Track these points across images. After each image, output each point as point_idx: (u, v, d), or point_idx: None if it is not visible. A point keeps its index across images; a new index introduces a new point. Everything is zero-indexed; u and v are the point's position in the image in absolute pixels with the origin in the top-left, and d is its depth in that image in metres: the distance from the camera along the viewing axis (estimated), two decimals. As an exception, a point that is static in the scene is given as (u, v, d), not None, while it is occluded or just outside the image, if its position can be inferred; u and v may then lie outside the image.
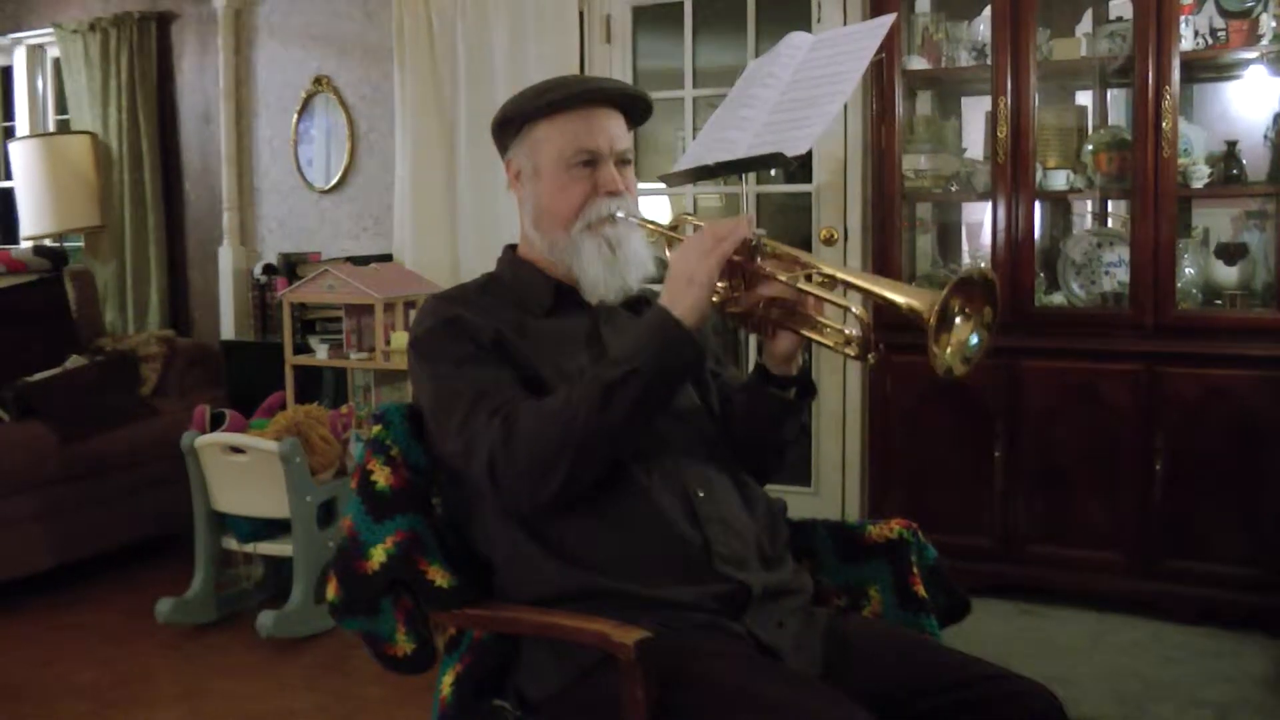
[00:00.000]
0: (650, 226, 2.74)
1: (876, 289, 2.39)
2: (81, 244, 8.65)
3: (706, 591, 2.46)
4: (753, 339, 6.06)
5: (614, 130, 2.74)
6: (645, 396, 2.41)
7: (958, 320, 2.32)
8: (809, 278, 2.48)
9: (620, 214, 2.69)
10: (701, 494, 2.56)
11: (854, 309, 2.44)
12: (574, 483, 2.42)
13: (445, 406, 2.55)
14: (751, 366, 2.76)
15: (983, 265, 2.27)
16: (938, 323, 2.27)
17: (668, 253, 2.79)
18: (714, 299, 2.50)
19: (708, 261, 2.42)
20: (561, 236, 2.70)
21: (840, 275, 2.47)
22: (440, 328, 2.61)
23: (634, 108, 2.83)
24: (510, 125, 2.79)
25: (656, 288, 2.66)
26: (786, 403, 2.72)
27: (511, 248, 2.91)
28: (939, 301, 2.26)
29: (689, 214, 2.87)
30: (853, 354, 2.52)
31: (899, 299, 2.34)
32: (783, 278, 2.49)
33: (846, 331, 2.52)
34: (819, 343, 2.56)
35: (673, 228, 2.81)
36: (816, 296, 2.51)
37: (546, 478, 2.40)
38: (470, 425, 2.48)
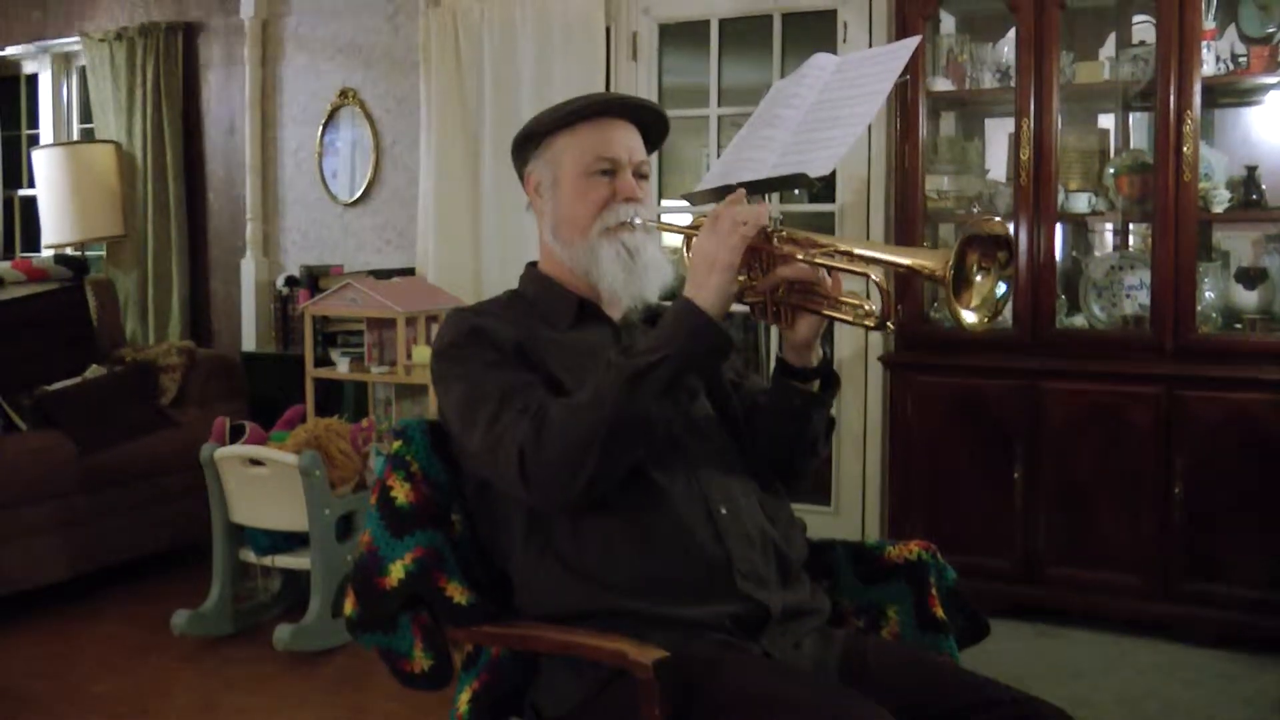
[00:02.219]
0: (669, 228, 2.75)
1: (890, 257, 2.42)
2: (103, 253, 8.69)
3: (724, 612, 2.46)
4: (771, 357, 6.06)
5: (632, 143, 2.77)
6: (672, 384, 2.41)
7: (978, 278, 2.34)
8: (828, 250, 2.49)
9: (638, 220, 2.70)
10: (724, 510, 2.56)
11: (874, 276, 2.44)
12: (604, 475, 2.41)
13: (473, 407, 2.54)
14: (772, 366, 2.76)
15: (995, 219, 2.28)
16: (955, 279, 2.29)
17: (686, 258, 2.78)
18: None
19: (729, 243, 2.41)
20: (580, 242, 2.71)
21: (856, 250, 2.46)
22: (463, 337, 2.62)
23: (652, 127, 2.86)
24: (531, 140, 2.81)
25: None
26: (811, 395, 2.72)
27: (533, 264, 2.91)
28: (951, 258, 2.28)
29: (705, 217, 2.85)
30: (871, 325, 2.51)
31: (913, 261, 2.37)
32: (800, 256, 2.48)
33: (865, 306, 2.51)
34: (839, 319, 2.55)
35: (693, 228, 2.80)
36: (836, 269, 2.50)
37: (577, 470, 2.39)
38: (499, 422, 2.47)
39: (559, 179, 2.75)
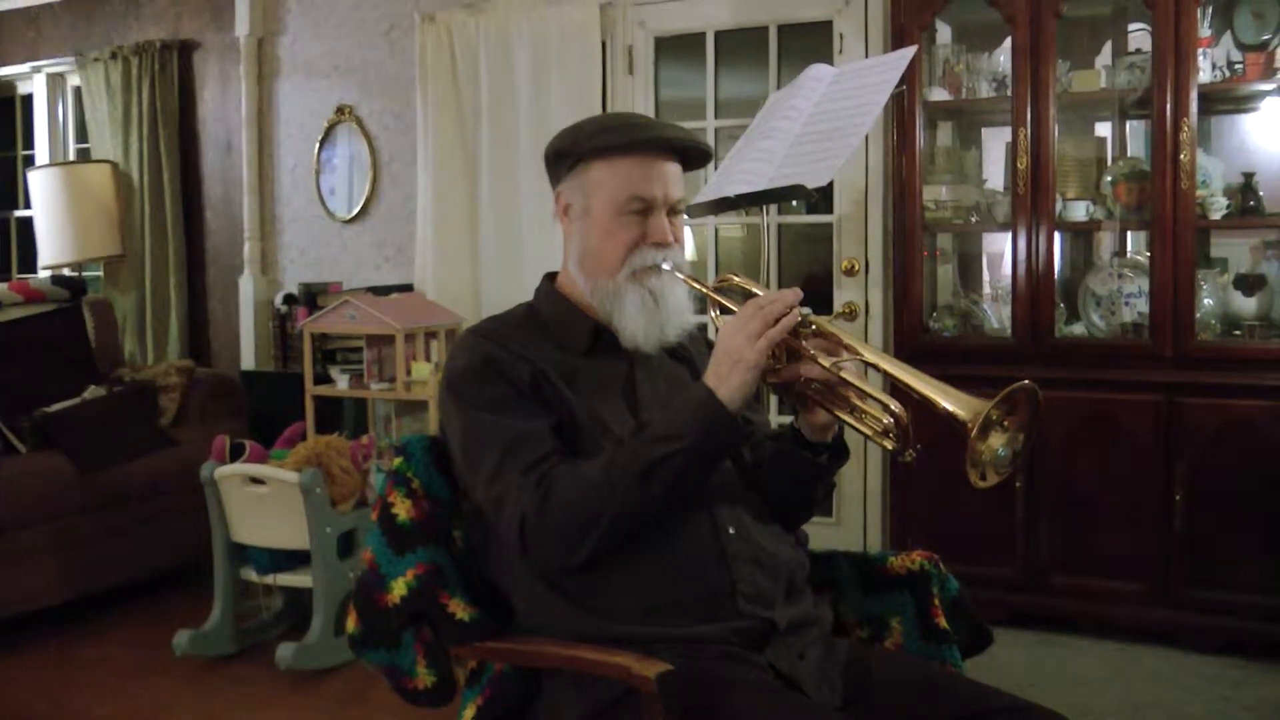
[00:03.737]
0: (695, 286, 2.72)
1: (919, 386, 2.37)
2: (101, 273, 8.68)
3: (728, 627, 2.47)
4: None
5: (669, 178, 2.71)
6: (684, 476, 2.42)
7: (994, 431, 2.30)
8: (855, 359, 2.48)
9: (666, 266, 2.67)
10: (732, 530, 2.56)
11: (894, 406, 2.43)
12: (603, 550, 2.42)
13: (477, 453, 2.55)
14: (777, 407, 2.76)
15: (1027, 381, 2.22)
16: (978, 432, 2.25)
17: (711, 313, 2.78)
18: None
19: (756, 345, 2.40)
20: (605, 282, 2.68)
21: (883, 365, 2.44)
22: (476, 367, 2.60)
23: (691, 155, 2.81)
24: (564, 159, 2.76)
25: (692, 318, 2.70)
26: (817, 466, 2.71)
27: (550, 278, 2.89)
28: (983, 413, 2.25)
29: (735, 275, 2.83)
30: (890, 446, 2.50)
31: (942, 402, 2.32)
32: (825, 362, 2.46)
33: (885, 421, 2.49)
34: (855, 428, 2.54)
35: (717, 288, 2.78)
36: (857, 388, 2.50)
37: (578, 546, 2.41)
38: (502, 478, 2.47)
39: (589, 209, 2.71)
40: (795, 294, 2.47)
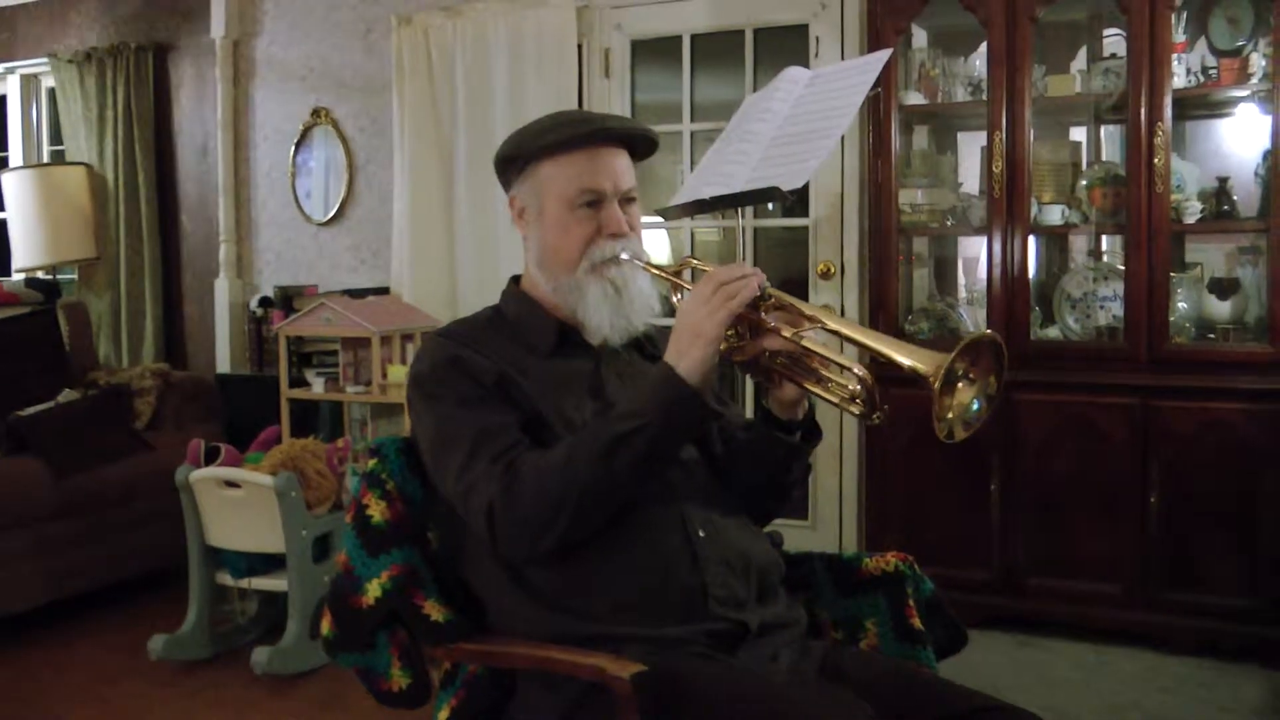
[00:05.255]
0: (654, 271, 2.71)
1: (881, 347, 2.36)
2: (75, 276, 8.64)
3: (700, 629, 2.46)
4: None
5: (619, 169, 2.71)
6: (648, 454, 2.40)
7: (960, 384, 2.31)
8: (816, 328, 2.48)
9: (625, 255, 2.67)
10: (703, 533, 2.55)
11: (858, 370, 2.44)
12: (572, 535, 2.41)
13: (445, 448, 2.54)
14: (751, 403, 2.75)
15: (988, 330, 2.24)
16: (942, 386, 2.26)
17: (674, 297, 2.78)
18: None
19: (715, 317, 2.39)
20: (566, 278, 2.68)
21: (845, 331, 2.44)
22: (441, 366, 2.60)
23: (639, 142, 2.82)
24: (513, 163, 2.76)
25: (662, 322, 2.69)
26: (792, 446, 2.71)
27: (515, 280, 2.89)
28: (945, 365, 2.25)
29: (694, 258, 2.83)
30: (857, 412, 2.50)
31: (904, 359, 2.32)
32: (786, 333, 2.46)
33: (851, 387, 2.50)
34: (822, 398, 2.54)
35: (676, 272, 2.78)
36: (820, 356, 2.50)
37: (545, 530, 2.40)
38: (470, 469, 2.47)
39: (543, 208, 2.71)
40: (756, 272, 2.47)
